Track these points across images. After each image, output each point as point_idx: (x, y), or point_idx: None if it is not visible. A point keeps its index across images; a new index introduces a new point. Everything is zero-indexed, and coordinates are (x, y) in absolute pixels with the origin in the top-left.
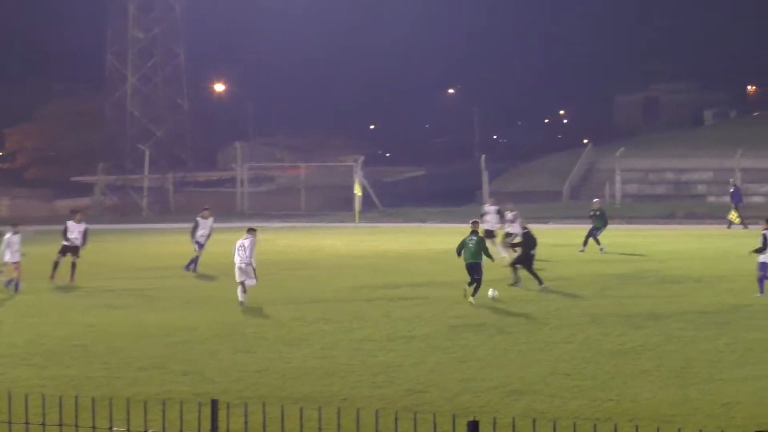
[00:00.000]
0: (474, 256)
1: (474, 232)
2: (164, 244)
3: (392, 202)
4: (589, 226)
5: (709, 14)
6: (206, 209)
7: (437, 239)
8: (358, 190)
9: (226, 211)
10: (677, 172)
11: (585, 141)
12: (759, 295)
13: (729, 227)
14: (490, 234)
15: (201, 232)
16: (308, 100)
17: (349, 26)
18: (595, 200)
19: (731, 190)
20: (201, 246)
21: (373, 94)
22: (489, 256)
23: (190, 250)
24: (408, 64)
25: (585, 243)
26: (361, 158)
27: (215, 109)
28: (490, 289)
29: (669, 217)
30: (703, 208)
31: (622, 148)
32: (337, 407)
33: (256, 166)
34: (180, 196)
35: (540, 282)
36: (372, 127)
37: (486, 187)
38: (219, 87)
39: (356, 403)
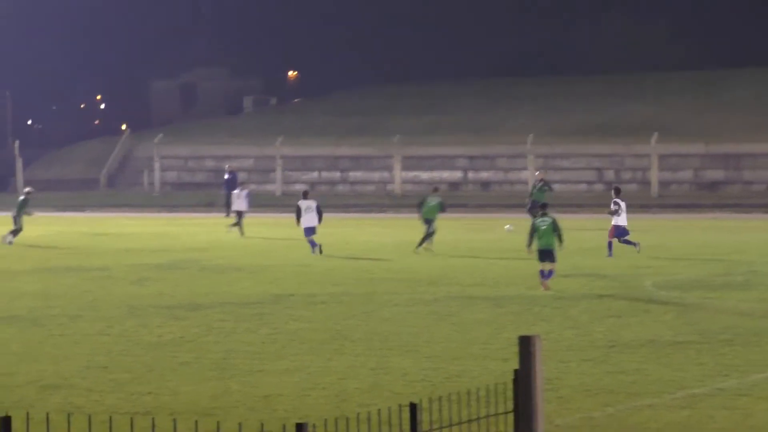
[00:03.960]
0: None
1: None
2: None
3: None
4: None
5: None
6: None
7: None
8: None
9: None
10: (217, 160)
11: (123, 127)
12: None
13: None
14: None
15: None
16: None
17: None
18: (27, 189)
19: (226, 176)
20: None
21: None
22: None
23: None
24: None
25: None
26: None
27: None
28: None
29: (209, 205)
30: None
31: (161, 135)
32: None
33: None
34: None
35: None
36: None
37: (20, 175)
38: None
39: None
